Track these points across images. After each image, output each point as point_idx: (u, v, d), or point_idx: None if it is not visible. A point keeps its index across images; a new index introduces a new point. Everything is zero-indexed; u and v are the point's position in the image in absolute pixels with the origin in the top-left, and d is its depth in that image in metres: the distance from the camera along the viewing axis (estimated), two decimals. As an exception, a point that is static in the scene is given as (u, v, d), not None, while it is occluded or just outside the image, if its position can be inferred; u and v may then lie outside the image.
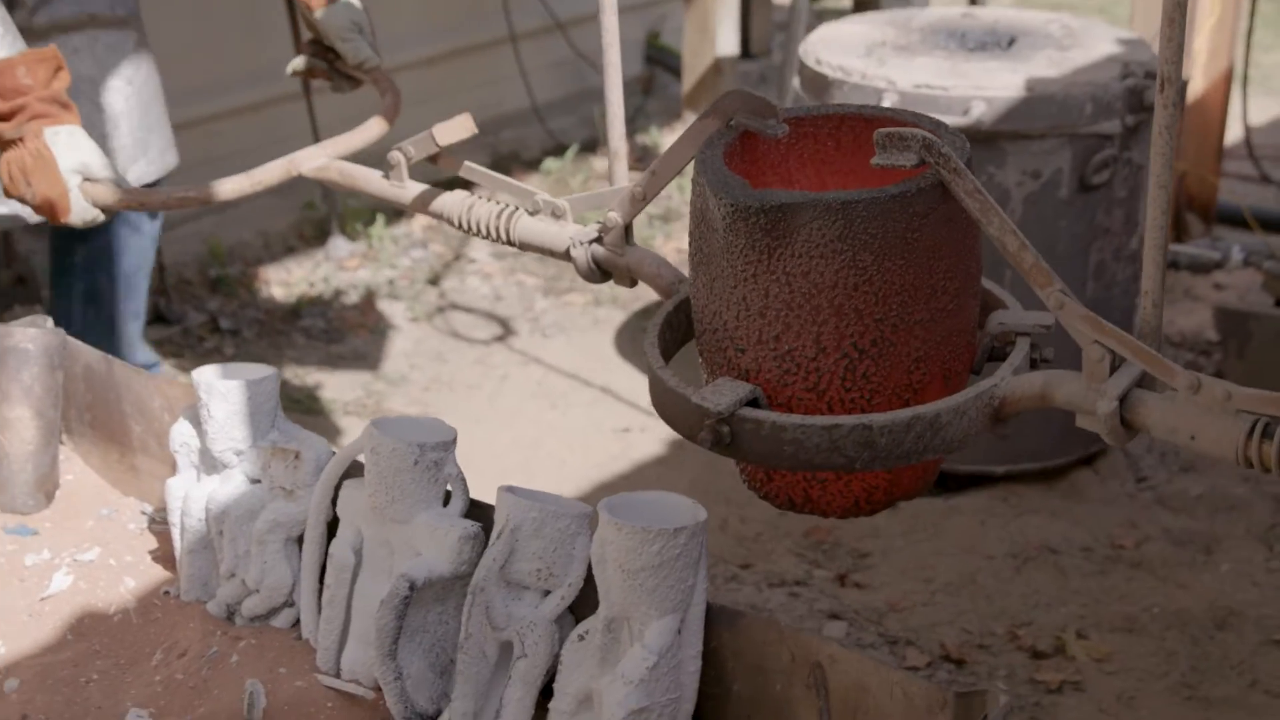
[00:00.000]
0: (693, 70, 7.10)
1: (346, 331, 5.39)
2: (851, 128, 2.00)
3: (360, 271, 5.84)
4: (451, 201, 2.47)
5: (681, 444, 4.57)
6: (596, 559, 2.00)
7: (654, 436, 4.63)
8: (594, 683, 2.01)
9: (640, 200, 2.14)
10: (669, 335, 2.10)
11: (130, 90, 3.43)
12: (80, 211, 2.71)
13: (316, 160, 2.65)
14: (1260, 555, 3.96)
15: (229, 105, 6.07)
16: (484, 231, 2.39)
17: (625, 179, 2.26)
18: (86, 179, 2.71)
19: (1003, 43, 4.27)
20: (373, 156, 2.56)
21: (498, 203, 2.40)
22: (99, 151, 2.73)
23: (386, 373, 5.11)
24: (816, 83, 4.18)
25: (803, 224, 1.78)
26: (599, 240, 2.23)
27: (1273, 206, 6.17)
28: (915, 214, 1.79)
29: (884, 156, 1.79)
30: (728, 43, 7.09)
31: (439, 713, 2.14)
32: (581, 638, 2.05)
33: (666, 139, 6.85)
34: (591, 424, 4.75)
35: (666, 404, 1.96)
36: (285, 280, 5.78)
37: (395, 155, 2.50)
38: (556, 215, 2.33)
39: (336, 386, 4.98)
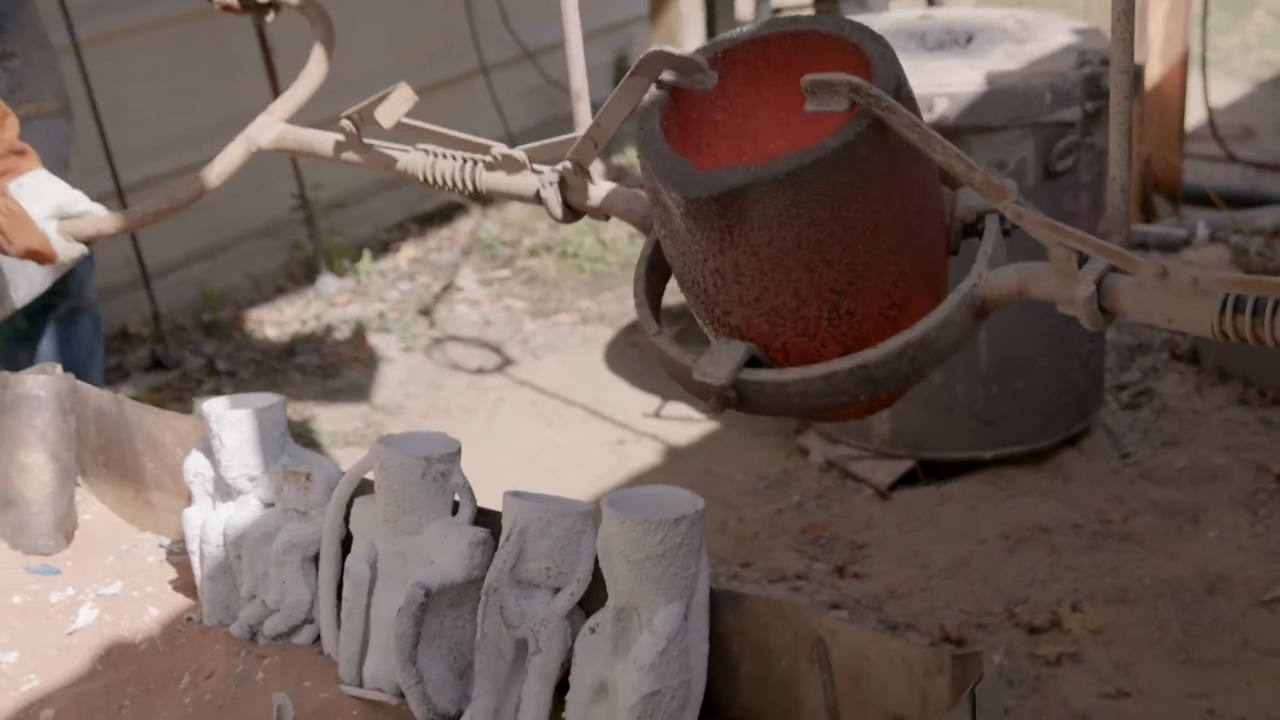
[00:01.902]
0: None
1: (341, 366, 5.48)
2: (779, 45, 1.99)
3: (350, 307, 5.93)
4: (414, 159, 2.48)
5: (677, 452, 4.66)
6: (602, 553, 2.08)
7: (649, 447, 4.72)
8: (607, 672, 2.09)
9: (593, 147, 2.18)
10: (654, 278, 2.12)
11: (67, 176, 3.23)
12: (64, 252, 2.75)
13: (271, 130, 2.64)
14: (1245, 521, 4.06)
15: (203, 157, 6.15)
16: (450, 184, 2.41)
17: (589, 118, 2.27)
18: (62, 219, 2.73)
19: (961, 40, 4.37)
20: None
21: (459, 157, 2.41)
22: (66, 188, 2.75)
23: (383, 403, 5.20)
24: (783, 91, 4.28)
25: (754, 201, 1.80)
26: (564, 182, 2.26)
27: (1237, 184, 6.29)
28: (860, 158, 1.79)
29: (815, 103, 1.79)
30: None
31: (460, 713, 2.22)
32: (593, 630, 2.13)
33: (641, 157, 6.93)
34: (587, 438, 4.84)
35: (670, 369, 2.01)
36: (277, 320, 5.87)
37: (345, 124, 2.49)
38: (514, 166, 2.35)
39: (335, 419, 5.07)
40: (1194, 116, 6.71)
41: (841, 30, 1.91)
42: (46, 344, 3.19)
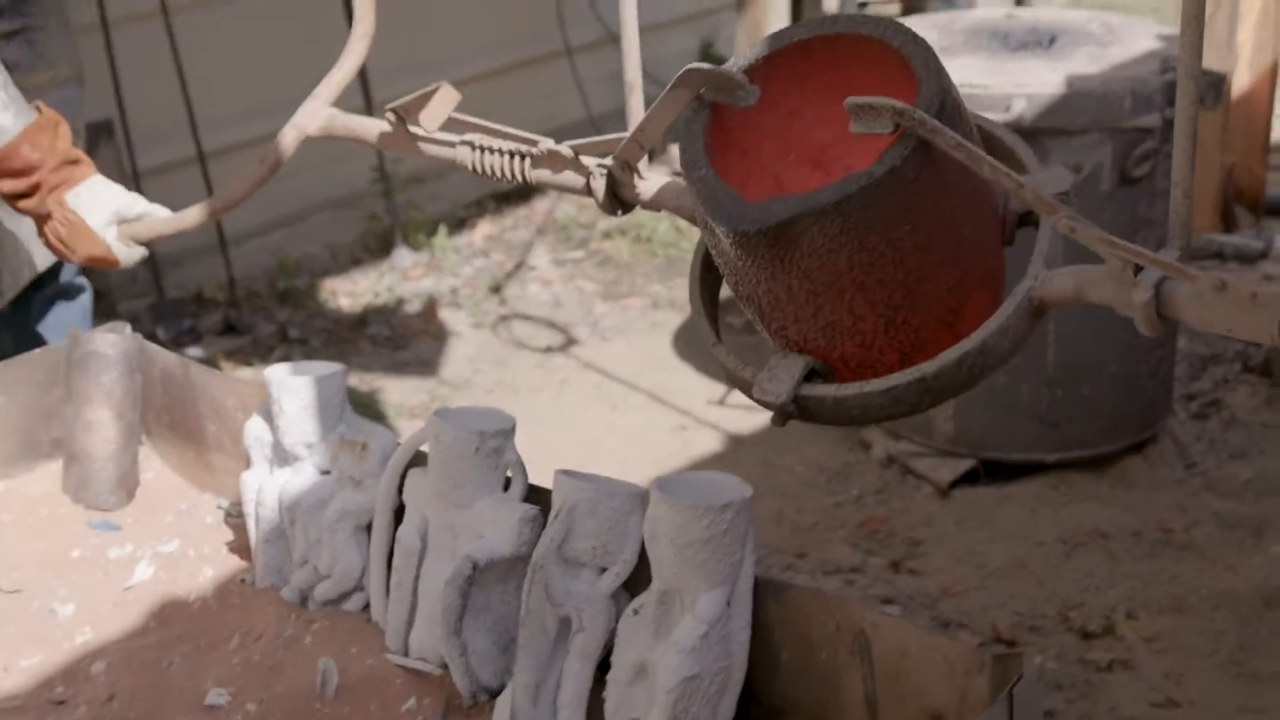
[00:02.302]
0: (746, 77, 7.17)
1: (411, 339, 5.52)
2: (822, 46, 1.96)
3: (424, 281, 5.97)
4: (461, 152, 2.48)
5: (739, 440, 4.67)
6: (649, 535, 2.09)
7: (711, 434, 4.73)
8: (648, 654, 2.10)
9: (639, 148, 2.19)
10: (710, 279, 2.12)
11: (79, 143, 3.19)
12: (125, 258, 2.79)
13: (318, 118, 2.65)
14: (1309, 537, 4.03)
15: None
16: (498, 174, 2.40)
17: (641, 111, 2.27)
18: (121, 223, 2.77)
19: (1044, 42, 4.35)
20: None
21: (507, 150, 2.40)
22: (122, 191, 2.78)
23: (450, 378, 5.24)
24: (861, 85, 4.27)
25: (802, 231, 1.79)
26: (613, 177, 2.26)
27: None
28: (907, 180, 1.78)
29: (859, 125, 1.78)
30: (779, 49, 7.16)
31: (502, 686, 2.24)
32: (636, 612, 2.14)
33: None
34: (650, 423, 4.85)
35: (730, 378, 2.03)
36: (351, 290, 5.92)
37: (390, 117, 2.50)
38: (561, 162, 2.34)
39: (402, 391, 5.11)
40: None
41: (884, 34, 1.89)
42: (34, 325, 3.21)
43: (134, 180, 5.61)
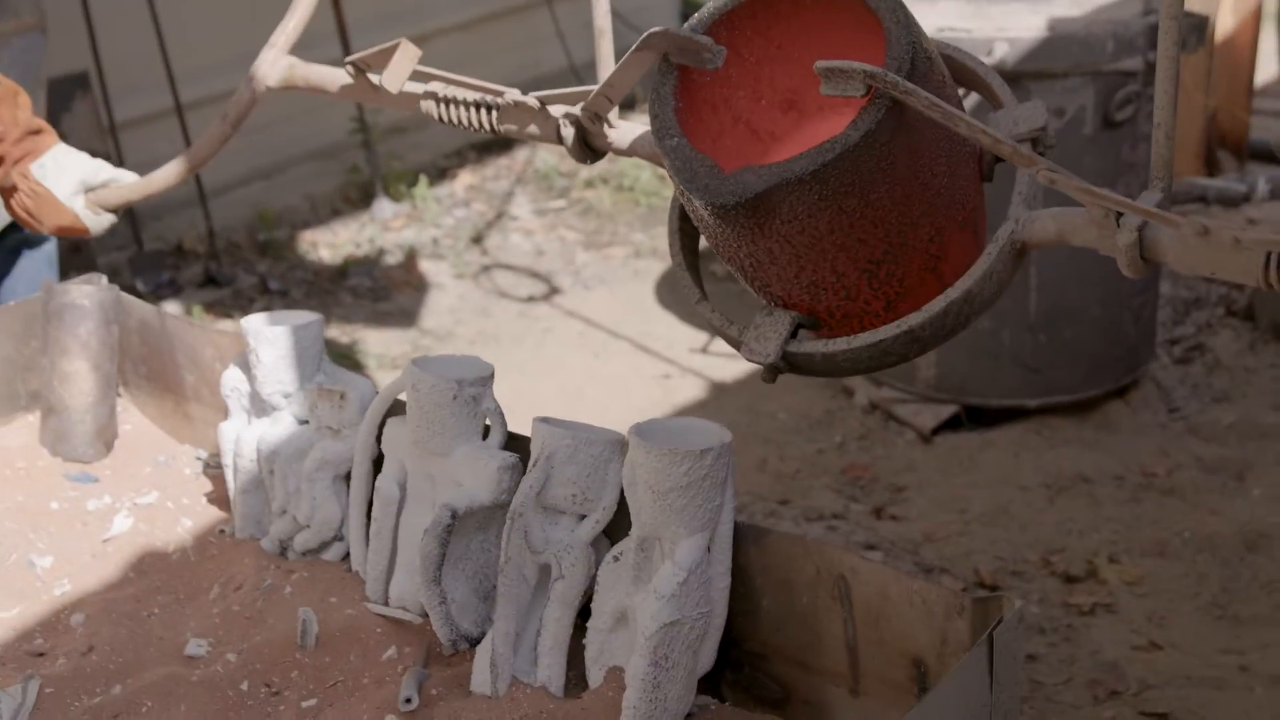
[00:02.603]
0: (727, 24, 7.14)
1: (392, 290, 5.50)
2: (766, 16, 1.95)
3: (405, 232, 5.95)
4: (428, 101, 2.45)
5: (722, 388, 4.66)
6: (628, 482, 2.09)
7: (694, 382, 4.73)
8: (628, 600, 2.10)
9: (607, 102, 2.18)
10: (689, 231, 2.12)
11: (41, 93, 3.19)
12: (95, 225, 2.75)
13: (277, 68, 2.62)
14: (1291, 480, 4.03)
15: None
16: (465, 125, 2.39)
17: (611, 58, 2.29)
18: (88, 191, 2.74)
19: (1026, -16, 4.32)
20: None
21: (472, 100, 2.38)
22: (86, 159, 2.75)
23: (432, 328, 5.22)
24: (843, 29, 4.25)
25: (780, 201, 1.79)
26: (582, 127, 2.25)
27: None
28: (882, 143, 1.78)
29: (830, 87, 1.77)
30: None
31: (482, 634, 2.24)
32: (616, 559, 2.14)
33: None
34: (633, 371, 4.84)
35: (717, 332, 2.03)
36: (331, 242, 5.89)
37: (350, 69, 2.47)
38: (528, 113, 2.32)
39: (383, 342, 5.10)
40: (1265, 72, 6.62)
41: None
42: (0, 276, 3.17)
43: (111, 133, 5.57)
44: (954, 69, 2.00)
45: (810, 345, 1.92)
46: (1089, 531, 3.81)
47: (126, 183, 2.77)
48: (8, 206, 2.76)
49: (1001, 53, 3.96)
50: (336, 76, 2.56)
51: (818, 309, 1.94)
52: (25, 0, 2.89)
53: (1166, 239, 1.77)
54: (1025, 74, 3.99)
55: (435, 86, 2.40)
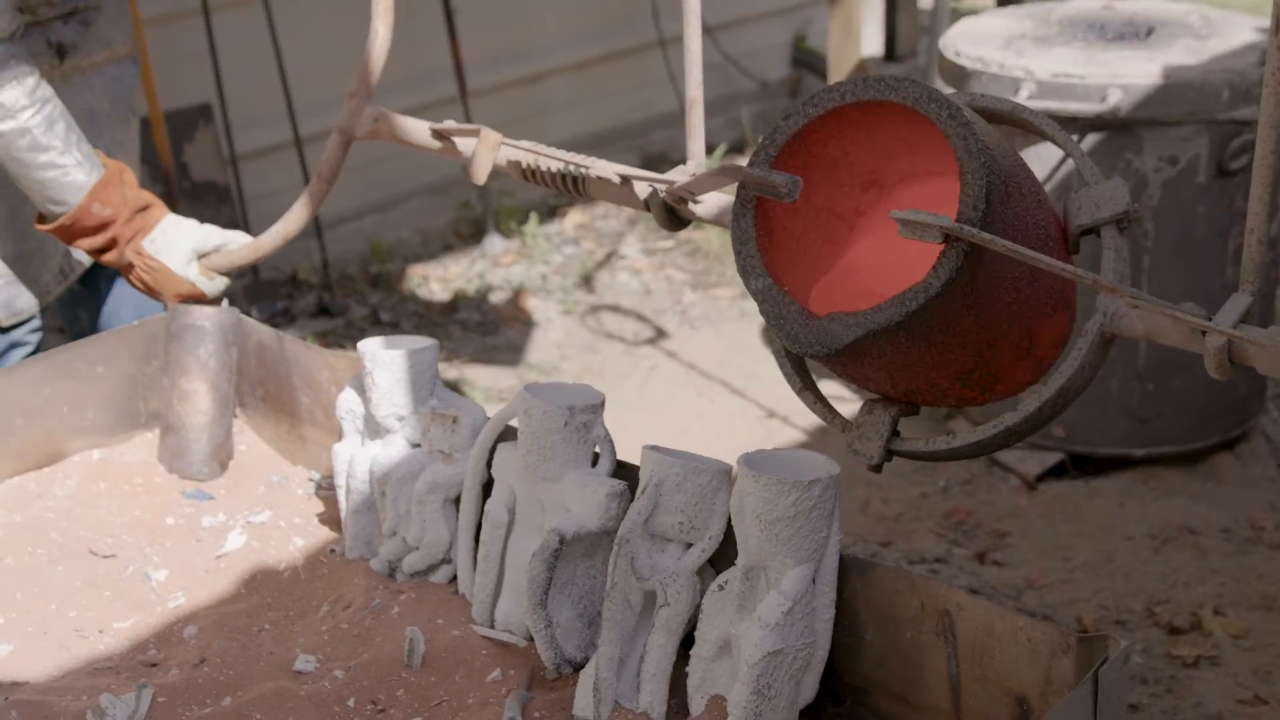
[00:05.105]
0: (838, 71, 7.16)
1: (501, 324, 5.56)
2: (857, 107, 1.99)
3: (514, 268, 6.01)
4: (516, 151, 2.53)
5: (824, 430, 4.67)
6: (735, 511, 2.10)
7: (797, 424, 4.73)
8: (733, 629, 2.11)
9: (688, 195, 2.26)
10: None
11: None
12: (211, 289, 2.86)
13: (364, 124, 2.70)
14: (1402, 538, 3.97)
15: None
16: (551, 184, 2.45)
17: (700, 127, 2.35)
18: (201, 257, 2.84)
19: (1140, 33, 4.32)
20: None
21: (561, 163, 2.44)
22: (195, 227, 2.84)
23: (539, 363, 5.27)
24: (955, 74, 4.27)
25: (869, 345, 1.87)
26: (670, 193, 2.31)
27: None
28: (963, 284, 1.82)
29: (909, 232, 1.81)
30: (872, 43, 7.16)
31: (586, 659, 2.26)
32: (721, 587, 2.15)
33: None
34: (737, 411, 4.86)
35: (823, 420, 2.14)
36: (442, 276, 5.96)
37: (431, 134, 2.55)
38: (608, 186, 2.40)
39: (491, 376, 5.15)
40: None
41: (920, 106, 1.89)
42: (103, 298, 3.26)
43: (232, 164, 5.68)
44: (1038, 135, 2.05)
45: (912, 446, 2.03)
46: (1194, 583, 3.78)
47: (235, 247, 2.86)
48: (129, 281, 2.86)
49: (1115, 99, 3.95)
50: (421, 130, 2.64)
51: (915, 400, 2.03)
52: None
53: (1253, 350, 1.80)
54: (1139, 121, 3.99)
55: (521, 157, 2.48)
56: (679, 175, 2.34)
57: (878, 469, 2.04)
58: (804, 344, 1.90)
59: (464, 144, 2.57)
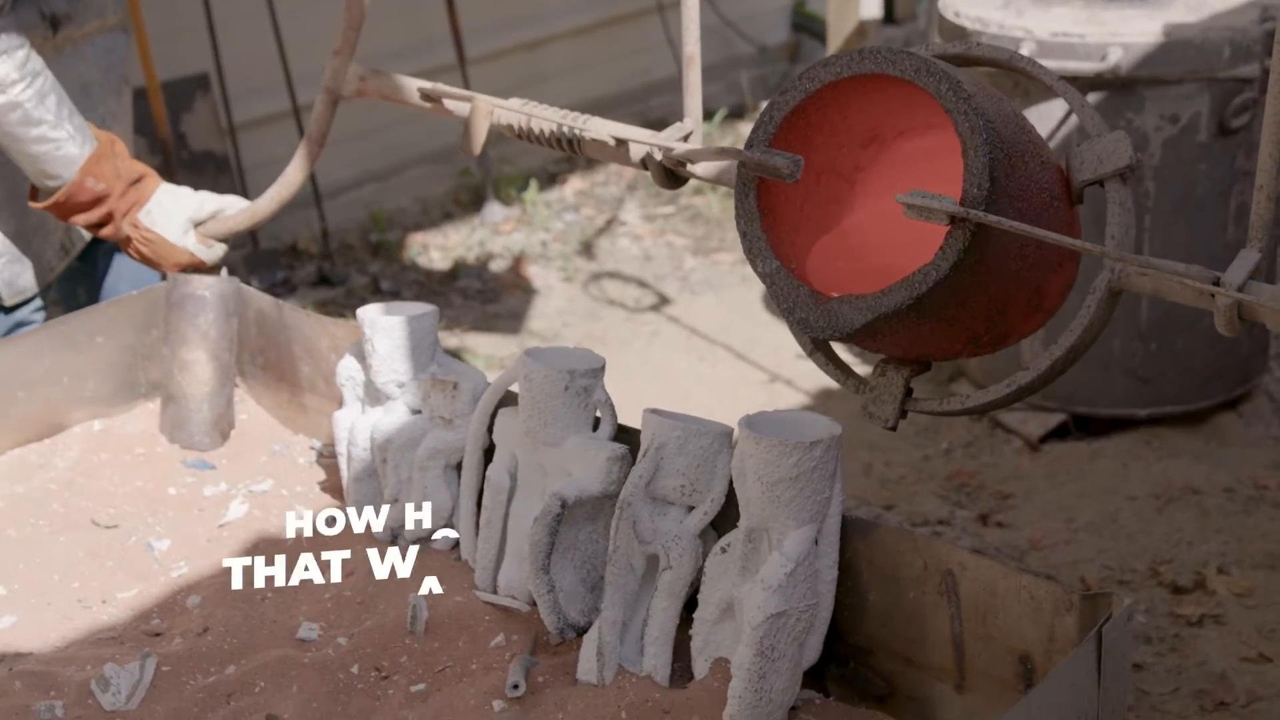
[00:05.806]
0: (837, 35, 7.13)
1: (501, 292, 5.55)
2: (854, 80, 1.98)
3: (514, 235, 6.00)
4: (509, 113, 2.53)
5: (827, 394, 4.66)
6: (737, 473, 2.10)
7: (801, 388, 4.73)
8: (735, 591, 2.11)
9: (687, 162, 2.28)
10: None
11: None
12: (210, 256, 2.87)
13: (351, 82, 2.69)
14: (1406, 495, 3.97)
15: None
16: (545, 141, 2.45)
17: (698, 86, 2.36)
18: (197, 225, 2.84)
19: (1141, -9, 4.30)
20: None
21: (555, 121, 2.44)
22: (189, 195, 2.85)
23: (540, 330, 5.26)
24: (954, 34, 4.25)
25: (880, 326, 1.88)
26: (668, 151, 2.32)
27: None
28: (971, 261, 1.83)
29: (914, 214, 1.83)
30: (871, 7, 7.12)
31: (589, 624, 2.26)
32: (723, 550, 2.15)
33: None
34: (739, 376, 4.86)
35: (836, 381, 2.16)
36: (442, 244, 5.95)
37: (420, 96, 2.55)
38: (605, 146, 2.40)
39: (491, 344, 5.14)
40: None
41: (920, 80, 1.88)
42: (102, 274, 3.27)
43: (230, 134, 5.66)
44: (1036, 82, 2.06)
45: (925, 406, 2.05)
46: (1198, 542, 3.78)
47: (232, 213, 2.86)
48: (128, 254, 2.86)
49: (1116, 58, 3.94)
50: (410, 89, 2.64)
51: (927, 359, 2.06)
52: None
53: (1262, 307, 1.80)
54: (1139, 80, 3.97)
55: (514, 120, 2.46)
56: (675, 133, 2.33)
57: (893, 428, 2.06)
58: (814, 328, 1.92)
59: (454, 105, 2.56)
